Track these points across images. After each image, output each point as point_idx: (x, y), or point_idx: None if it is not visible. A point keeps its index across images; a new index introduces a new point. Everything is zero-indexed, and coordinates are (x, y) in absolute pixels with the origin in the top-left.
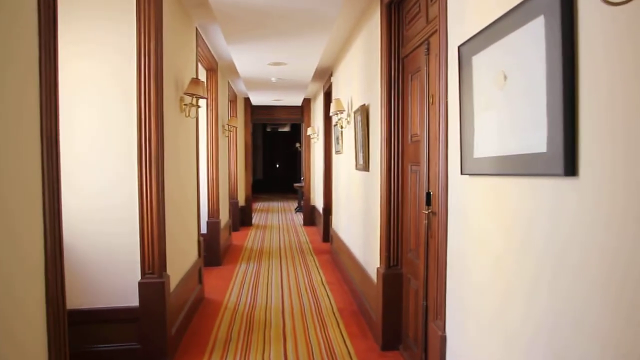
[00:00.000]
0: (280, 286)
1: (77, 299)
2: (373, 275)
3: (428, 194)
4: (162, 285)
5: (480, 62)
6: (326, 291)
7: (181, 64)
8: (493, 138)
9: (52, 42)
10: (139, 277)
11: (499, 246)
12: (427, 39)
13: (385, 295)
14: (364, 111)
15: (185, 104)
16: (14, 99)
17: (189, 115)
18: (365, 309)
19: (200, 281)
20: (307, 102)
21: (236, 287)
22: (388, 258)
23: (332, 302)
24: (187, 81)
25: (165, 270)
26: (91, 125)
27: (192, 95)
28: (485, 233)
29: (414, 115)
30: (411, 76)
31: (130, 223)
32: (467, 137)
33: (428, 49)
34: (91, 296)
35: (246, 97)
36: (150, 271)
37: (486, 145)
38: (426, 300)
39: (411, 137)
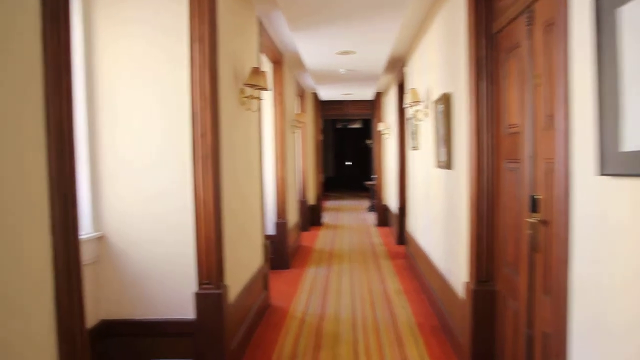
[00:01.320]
0: (351, 294)
1: (129, 308)
2: (458, 289)
3: (533, 198)
4: (220, 297)
5: (633, 14)
6: (402, 301)
7: (241, 53)
8: None
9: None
10: (195, 288)
11: None
12: (529, 6)
13: (475, 316)
14: (446, 100)
15: (245, 96)
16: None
17: (250, 108)
18: (448, 326)
19: (266, 287)
20: (378, 96)
21: (304, 294)
22: (478, 272)
23: (410, 314)
24: (247, 72)
25: (222, 280)
26: (141, 120)
27: (253, 86)
28: None
29: (511, 101)
30: (505, 55)
31: (184, 229)
32: (608, 124)
33: (531, 18)
34: (144, 306)
35: (314, 92)
36: (206, 281)
37: None
38: (531, 329)
39: (506, 128)
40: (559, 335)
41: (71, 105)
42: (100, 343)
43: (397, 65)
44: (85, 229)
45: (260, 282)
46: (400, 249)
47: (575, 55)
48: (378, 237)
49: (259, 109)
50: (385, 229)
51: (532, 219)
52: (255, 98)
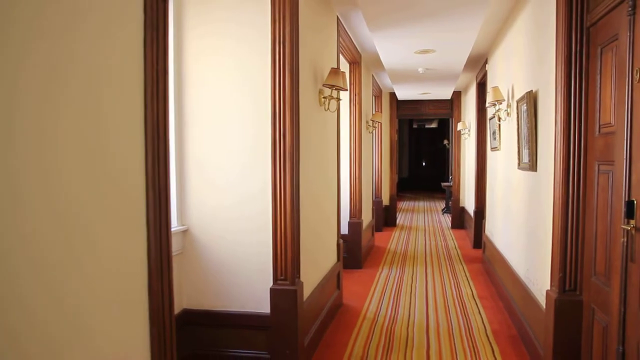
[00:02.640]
0: (424, 297)
1: (209, 299)
2: (539, 297)
3: (630, 203)
4: (294, 293)
5: None
6: (478, 307)
7: (320, 54)
8: None
9: (160, 23)
10: (271, 283)
11: None
12: None
13: (558, 327)
14: (531, 99)
15: (324, 97)
16: (113, 92)
17: (328, 108)
18: (527, 336)
19: (339, 286)
20: (456, 95)
21: (376, 295)
22: (563, 280)
23: (485, 321)
24: (326, 72)
25: (298, 277)
26: (224, 120)
27: (331, 87)
28: None
29: (606, 99)
30: (601, 49)
31: (263, 226)
32: None
33: (634, 7)
34: (223, 298)
35: (391, 91)
36: (282, 277)
37: None
38: (623, 346)
39: (600, 127)
40: None
41: (166, 108)
42: (181, 330)
43: (477, 63)
44: (173, 222)
45: (334, 281)
46: (477, 253)
47: None
48: (453, 240)
49: (337, 109)
50: (461, 232)
51: (628, 226)
52: (334, 98)
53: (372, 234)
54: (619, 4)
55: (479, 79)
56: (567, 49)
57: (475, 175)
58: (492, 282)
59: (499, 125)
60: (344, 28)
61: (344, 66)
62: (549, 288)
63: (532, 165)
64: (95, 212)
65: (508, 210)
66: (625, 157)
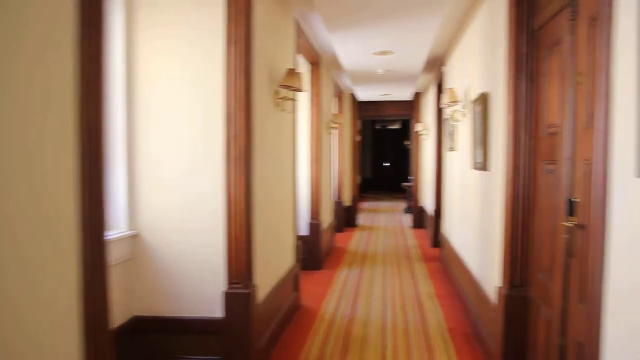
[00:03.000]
0: (382, 297)
1: (161, 305)
2: (491, 294)
3: (571, 202)
4: (248, 297)
5: None
6: (435, 306)
7: (277, 54)
8: None
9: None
10: (224, 287)
11: None
12: None
13: (507, 322)
14: (484, 100)
15: (280, 98)
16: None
17: (284, 109)
18: (480, 332)
19: (296, 288)
20: (417, 96)
21: (335, 296)
22: (511, 276)
23: (441, 319)
24: (283, 73)
25: (251, 280)
26: (178, 121)
27: (287, 87)
28: None
29: (551, 100)
30: (547, 52)
31: (215, 228)
32: None
33: (575, 13)
34: (174, 304)
35: (352, 92)
36: (235, 280)
37: None
38: (564, 338)
39: (545, 128)
40: (592, 346)
41: (101, 108)
42: (131, 338)
43: (436, 65)
44: (121, 227)
45: (291, 282)
46: (435, 251)
47: (619, 50)
48: (413, 240)
49: (294, 110)
50: (421, 231)
51: (569, 223)
52: (290, 99)
53: (333, 235)
54: (562, 9)
55: (437, 80)
56: (516, 52)
57: (434, 175)
58: (449, 280)
59: (455, 126)
60: (303, 29)
61: (304, 67)
62: (499, 285)
63: (485, 165)
64: (14, 219)
65: (464, 210)
66: (567, 156)
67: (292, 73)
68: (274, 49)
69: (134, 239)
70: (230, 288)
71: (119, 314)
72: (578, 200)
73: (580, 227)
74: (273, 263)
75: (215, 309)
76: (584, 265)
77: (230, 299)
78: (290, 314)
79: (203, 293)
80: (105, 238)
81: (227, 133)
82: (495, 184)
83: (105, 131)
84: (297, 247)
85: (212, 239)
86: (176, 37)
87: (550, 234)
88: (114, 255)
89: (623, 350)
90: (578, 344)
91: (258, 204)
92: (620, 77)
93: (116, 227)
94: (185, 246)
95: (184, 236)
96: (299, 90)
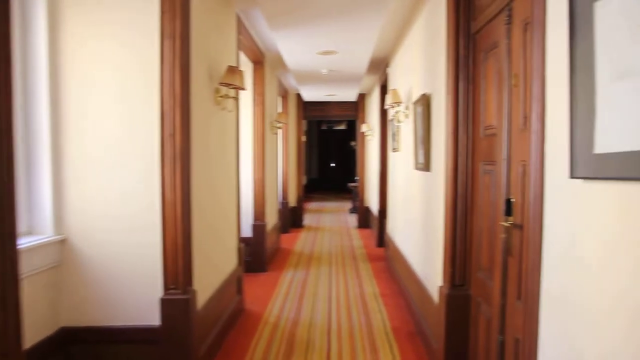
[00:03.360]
0: (328, 298)
1: (92, 315)
2: (433, 293)
3: (508, 202)
4: (187, 303)
5: (610, 10)
6: (379, 306)
7: (217, 51)
8: (633, 122)
9: None
10: (161, 293)
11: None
12: (508, 4)
13: (449, 321)
14: (425, 101)
15: (220, 96)
16: None
17: (225, 108)
18: (423, 331)
19: (240, 291)
20: (361, 97)
21: (280, 298)
22: (453, 276)
23: (386, 319)
24: (224, 71)
25: (190, 285)
26: (109, 120)
27: (228, 85)
28: (615, 270)
29: (489, 102)
30: (484, 55)
31: (151, 231)
32: (582, 124)
33: (510, 17)
34: (108, 313)
35: (298, 92)
36: (173, 286)
37: (619, 135)
38: (503, 334)
39: (484, 129)
40: (529, 343)
41: (10, 99)
42: (60, 351)
43: (380, 66)
44: (47, 232)
45: (234, 286)
46: (380, 251)
47: (551, 54)
48: (358, 240)
49: (236, 109)
50: (367, 231)
51: (506, 223)
52: (232, 98)
53: (278, 236)
54: (498, 14)
55: (381, 81)
56: (455, 54)
57: (379, 175)
58: (393, 280)
59: (399, 126)
60: (246, 26)
61: (247, 65)
62: (441, 284)
63: (427, 166)
64: None
65: (407, 210)
66: (504, 157)
67: (233, 70)
68: (215, 46)
69: (62, 244)
70: (167, 294)
71: (43, 326)
72: (515, 200)
73: (517, 226)
74: (214, 266)
75: (152, 317)
76: (521, 264)
77: (167, 305)
78: (234, 318)
79: (139, 300)
80: (19, 246)
81: (162, 131)
82: (436, 185)
83: (25, 133)
84: (240, 250)
85: (146, 242)
86: (107, 34)
87: (489, 234)
88: (37, 262)
89: (558, 345)
90: (516, 340)
91: (198, 204)
92: (552, 81)
93: (41, 233)
94: (118, 250)
95: (117, 239)
96: (241, 88)
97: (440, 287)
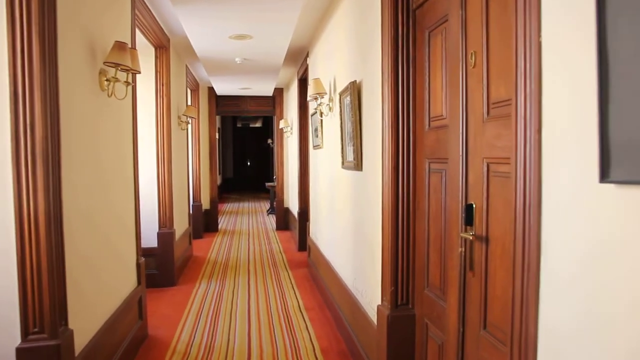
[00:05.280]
0: (247, 315)
1: None
2: (369, 311)
3: (469, 208)
4: (57, 350)
5: None
6: (305, 321)
7: (103, 26)
8: None
9: None
10: (18, 341)
11: None
12: None
13: (391, 345)
14: (355, 90)
15: (107, 79)
16: None
17: (113, 94)
18: (357, 352)
19: (142, 315)
20: (279, 92)
21: (191, 318)
22: (395, 294)
23: (313, 338)
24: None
25: (65, 324)
26: None
27: (116, 66)
28: None
29: (436, 89)
30: (429, 33)
31: (2, 258)
32: (620, 107)
33: None
34: None
35: (210, 86)
36: (37, 330)
37: None
38: None
39: (430, 121)
40: None
41: None
42: None
43: (299, 58)
44: None
45: (134, 309)
46: (302, 256)
47: (550, 8)
48: (278, 244)
49: (133, 98)
50: (286, 233)
51: (467, 234)
52: (126, 83)
53: (190, 243)
54: None
55: (300, 74)
56: (394, 32)
57: (299, 175)
58: (318, 288)
59: (321, 121)
60: (145, 3)
61: (148, 50)
62: (379, 302)
63: (358, 164)
64: None
65: (332, 213)
66: (460, 153)
67: (122, 47)
68: (99, 17)
69: None
70: (27, 341)
71: None
72: (475, 206)
73: (481, 238)
74: (105, 291)
75: None
76: (488, 286)
77: (27, 357)
78: (134, 349)
79: None
80: None
81: (15, 122)
82: (370, 186)
83: None
84: (141, 266)
85: None
86: None
87: (440, 245)
88: None
89: None
90: None
91: (76, 215)
92: (549, 45)
93: None
94: None
95: None
96: (134, 70)
97: (380, 307)
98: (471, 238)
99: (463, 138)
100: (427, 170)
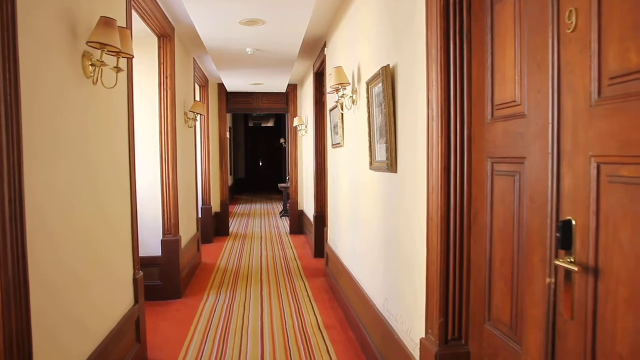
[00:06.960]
0: (260, 334)
1: None
2: (409, 343)
3: (567, 225)
4: None
5: None
6: (325, 342)
7: (95, 6)
8: None
9: None
10: None
11: None
12: None
13: None
14: (388, 77)
15: (92, 64)
16: None
17: (99, 81)
18: None
19: (140, 338)
20: (292, 88)
21: (197, 338)
22: (444, 327)
23: None
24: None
25: None
26: None
27: (103, 47)
28: None
29: (505, 68)
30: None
31: None
32: None
33: None
34: None
35: (220, 82)
36: None
37: None
38: None
39: (493, 109)
40: None
41: None
42: None
43: (315, 50)
44: None
45: (130, 332)
46: (319, 263)
47: None
48: (292, 249)
49: (128, 88)
50: (301, 238)
51: (564, 262)
52: (115, 69)
53: (198, 250)
54: None
55: (317, 67)
56: (445, 2)
57: (315, 176)
58: (338, 302)
59: (342, 115)
60: None
61: (152, 40)
62: (423, 335)
63: (392, 165)
64: None
65: (356, 220)
66: (551, 150)
67: (109, 24)
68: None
69: None
70: None
71: None
72: (576, 223)
73: (586, 269)
74: (88, 317)
75: None
76: (602, 338)
77: None
78: None
79: None
80: None
81: None
82: (409, 192)
83: None
84: (139, 281)
85: None
86: None
87: (512, 269)
88: None
89: None
90: None
91: (50, 227)
92: None
93: None
94: None
95: None
96: (124, 54)
97: (424, 341)
98: (575, 269)
99: (555, 129)
100: (489, 173)
